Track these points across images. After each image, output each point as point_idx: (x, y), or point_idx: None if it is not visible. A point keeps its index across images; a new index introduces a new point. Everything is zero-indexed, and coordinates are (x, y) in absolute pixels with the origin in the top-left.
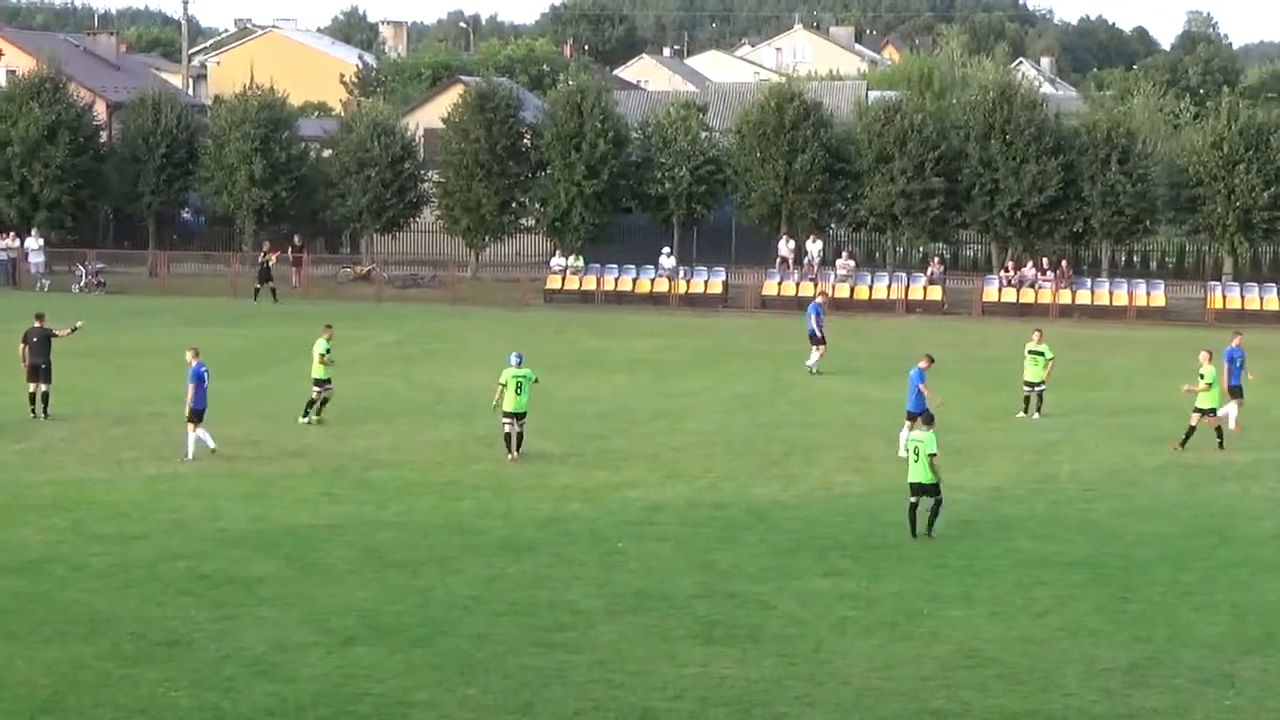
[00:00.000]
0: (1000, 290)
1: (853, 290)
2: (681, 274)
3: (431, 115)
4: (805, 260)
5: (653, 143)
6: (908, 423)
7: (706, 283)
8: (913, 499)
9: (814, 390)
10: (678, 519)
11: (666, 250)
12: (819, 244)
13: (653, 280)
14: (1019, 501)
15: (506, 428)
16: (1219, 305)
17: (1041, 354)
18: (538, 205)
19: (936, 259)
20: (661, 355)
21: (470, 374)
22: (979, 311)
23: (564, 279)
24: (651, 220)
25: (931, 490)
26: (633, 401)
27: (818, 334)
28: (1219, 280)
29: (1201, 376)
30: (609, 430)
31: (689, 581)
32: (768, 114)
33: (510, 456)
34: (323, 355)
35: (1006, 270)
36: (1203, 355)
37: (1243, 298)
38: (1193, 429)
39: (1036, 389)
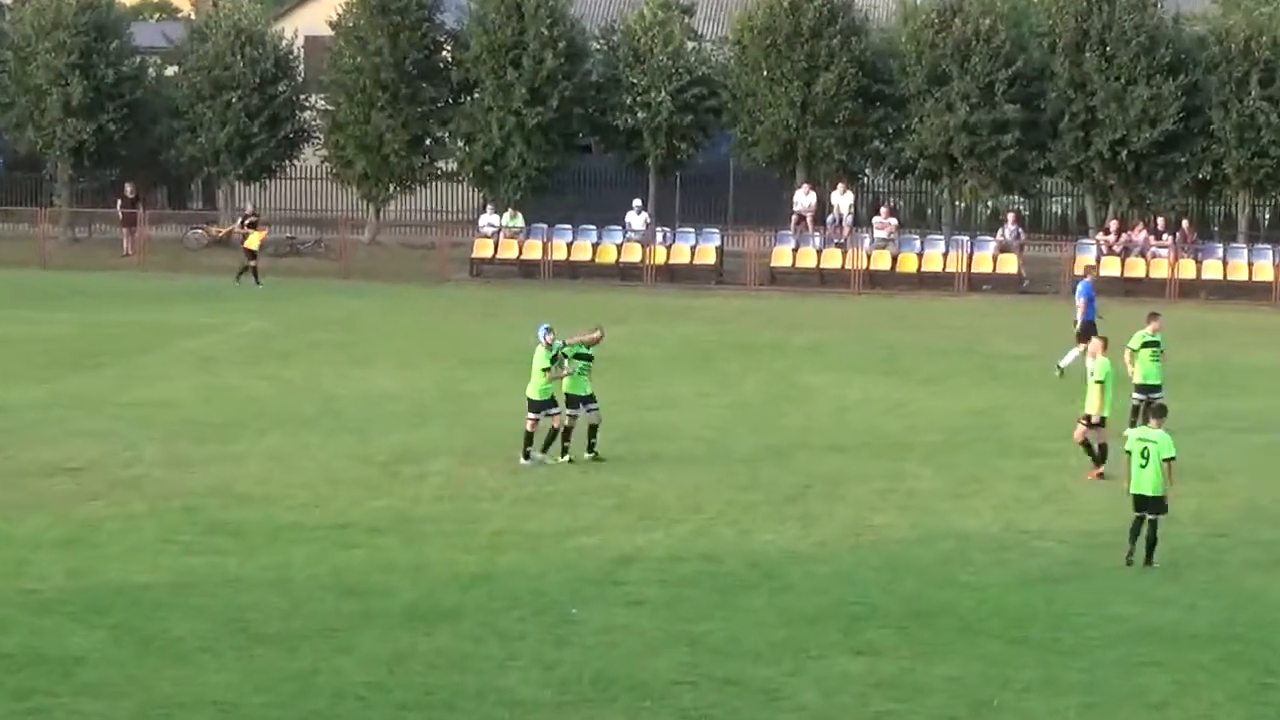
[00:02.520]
0: (1099, 260)
1: (895, 260)
2: (660, 237)
3: (315, 18)
4: (830, 219)
5: (620, 56)
6: (1078, 345)
7: (694, 249)
8: (1139, 513)
9: (841, 398)
10: (654, 576)
11: (637, 204)
12: (849, 196)
13: (620, 246)
14: (1121, 551)
15: (556, 420)
16: None
17: (1160, 346)
18: (461, 143)
19: (1011, 217)
20: (633, 349)
21: (369, 375)
22: (1070, 289)
23: (497, 244)
24: (619, 164)
25: (1155, 505)
26: None
27: (1089, 325)
28: None
29: (1092, 372)
30: (559, 453)
31: (669, 662)
32: (778, 16)
33: (565, 458)
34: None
35: (1107, 233)
36: (1095, 342)
37: None
38: (1089, 446)
39: (1153, 396)
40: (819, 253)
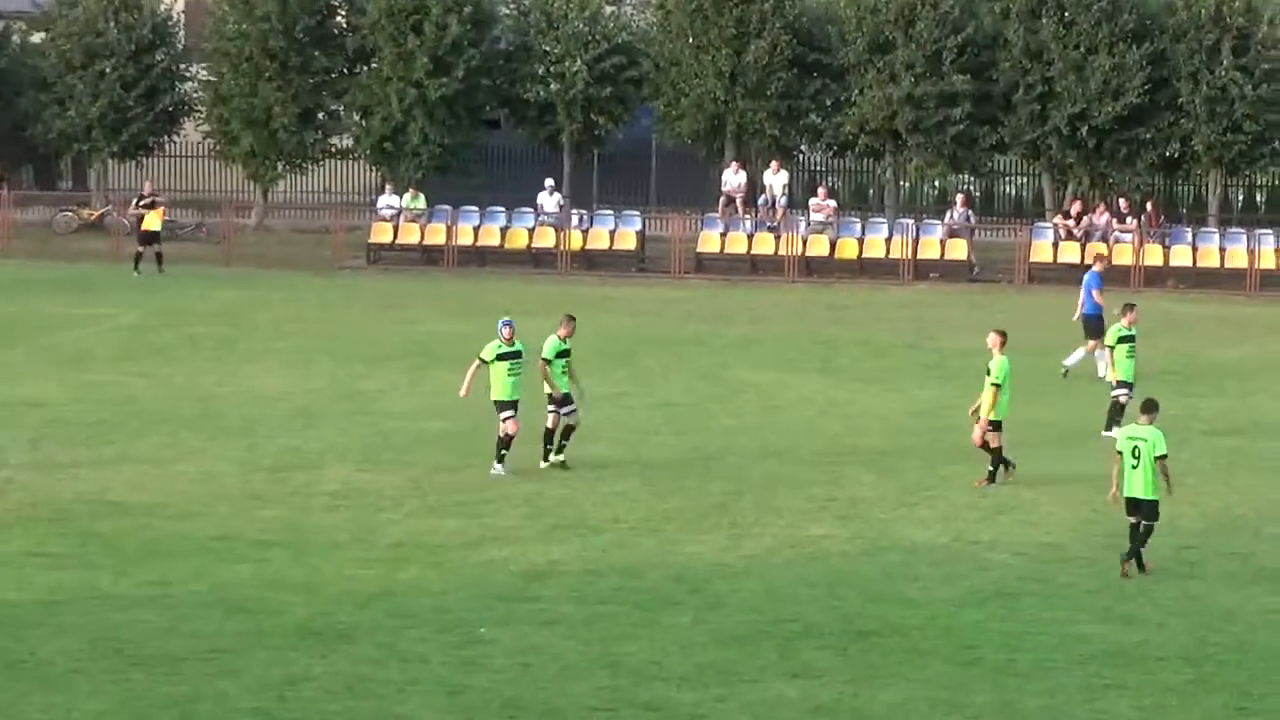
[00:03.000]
0: (1056, 246)
1: (833, 246)
2: (575, 220)
3: None
4: (762, 200)
5: (531, 22)
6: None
7: (613, 234)
8: (1133, 518)
9: (775, 397)
10: (570, 592)
11: (549, 184)
12: (783, 176)
13: (532, 230)
14: (1084, 565)
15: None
16: None
17: (1134, 340)
18: (357, 117)
19: (960, 199)
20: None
21: (255, 372)
22: (1024, 278)
23: (397, 228)
24: (530, 141)
25: (1149, 510)
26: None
27: (1092, 320)
28: None
29: (988, 371)
30: (467, 458)
31: (587, 687)
32: None
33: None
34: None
35: (1066, 216)
36: (992, 336)
37: None
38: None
39: (1124, 392)
40: (750, 238)
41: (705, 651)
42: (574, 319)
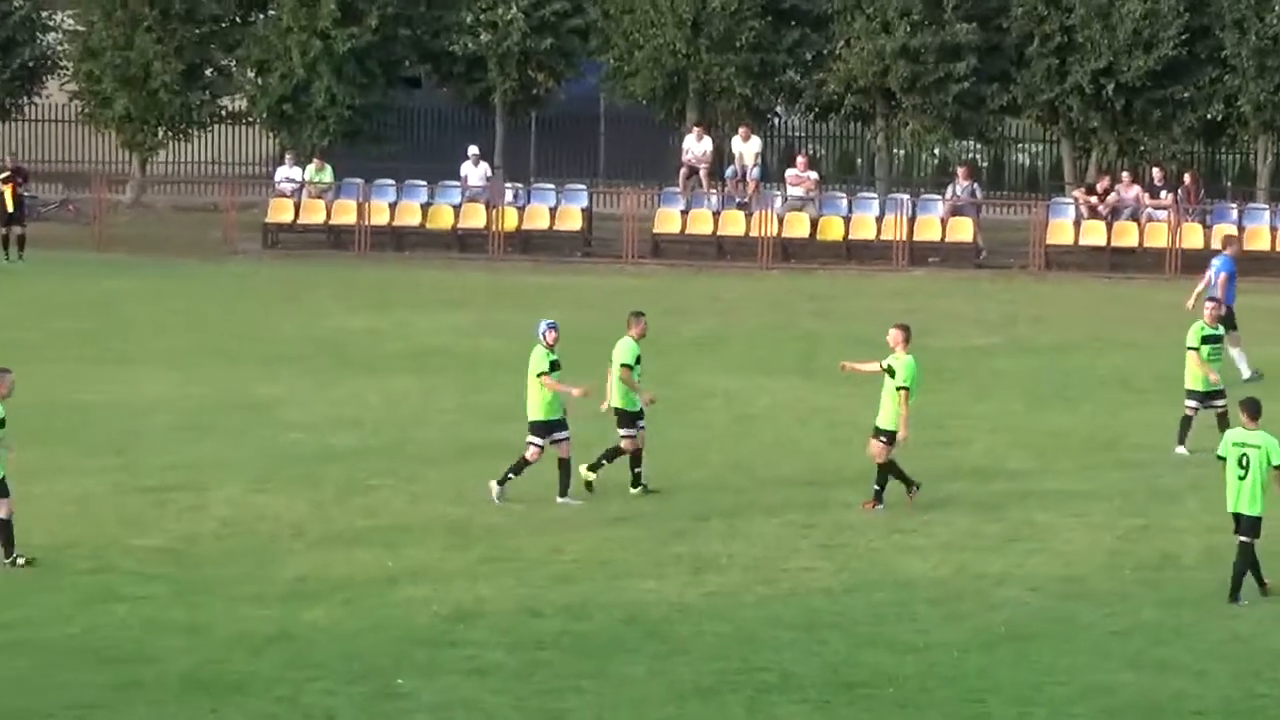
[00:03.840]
0: (1078, 225)
1: (814, 225)
2: (509, 196)
3: None
4: (731, 172)
5: None
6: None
7: (554, 212)
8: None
9: (746, 404)
10: (503, 636)
11: (474, 152)
12: (756, 143)
13: (458, 208)
14: (1111, 602)
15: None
16: None
17: (1220, 339)
18: (252, 74)
19: (964, 170)
20: (472, 343)
21: (133, 376)
22: (1040, 263)
23: (299, 206)
24: (456, 102)
25: (1249, 526)
26: (422, 424)
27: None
28: None
29: (889, 372)
30: (382, 477)
31: None
32: None
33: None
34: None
35: (1089, 191)
36: (893, 333)
37: None
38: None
39: (1216, 402)
40: (716, 216)
41: (662, 707)
42: (644, 316)
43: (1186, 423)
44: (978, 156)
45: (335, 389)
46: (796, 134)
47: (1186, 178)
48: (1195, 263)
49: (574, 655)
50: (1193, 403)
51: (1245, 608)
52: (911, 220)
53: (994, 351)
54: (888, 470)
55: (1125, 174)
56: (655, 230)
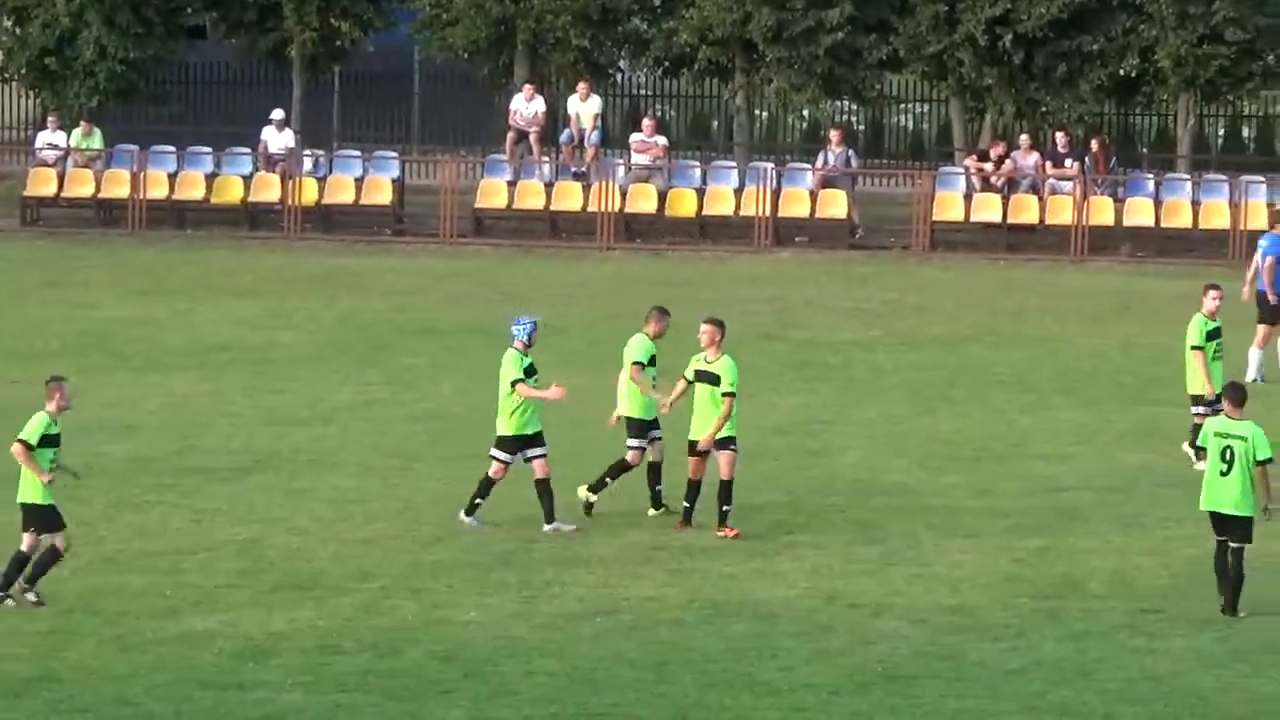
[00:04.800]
0: (969, 199)
1: (663, 199)
2: (307, 165)
3: None
4: (567, 136)
5: None
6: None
7: (360, 183)
8: (1220, 538)
9: (583, 406)
10: (300, 676)
11: (278, 116)
12: (595, 103)
13: (249, 179)
14: (1005, 636)
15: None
16: None
17: (1220, 336)
18: (8, 23)
19: (837, 135)
20: (267, 336)
21: None
22: (925, 242)
23: (64, 177)
24: (247, 55)
25: (1240, 529)
26: (206, 431)
27: (1270, 297)
28: None
29: (707, 380)
30: (158, 491)
31: None
32: None
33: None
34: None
35: (983, 158)
36: (706, 330)
37: None
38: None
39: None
40: (549, 188)
41: None
42: (667, 313)
43: (1197, 431)
44: (853, 119)
45: (105, 390)
46: (643, 93)
47: (1094, 143)
48: (1104, 241)
49: (381, 697)
50: (1201, 409)
51: (1164, 641)
52: (776, 193)
53: (872, 346)
54: (730, 487)
55: (1024, 139)
56: (478, 205)
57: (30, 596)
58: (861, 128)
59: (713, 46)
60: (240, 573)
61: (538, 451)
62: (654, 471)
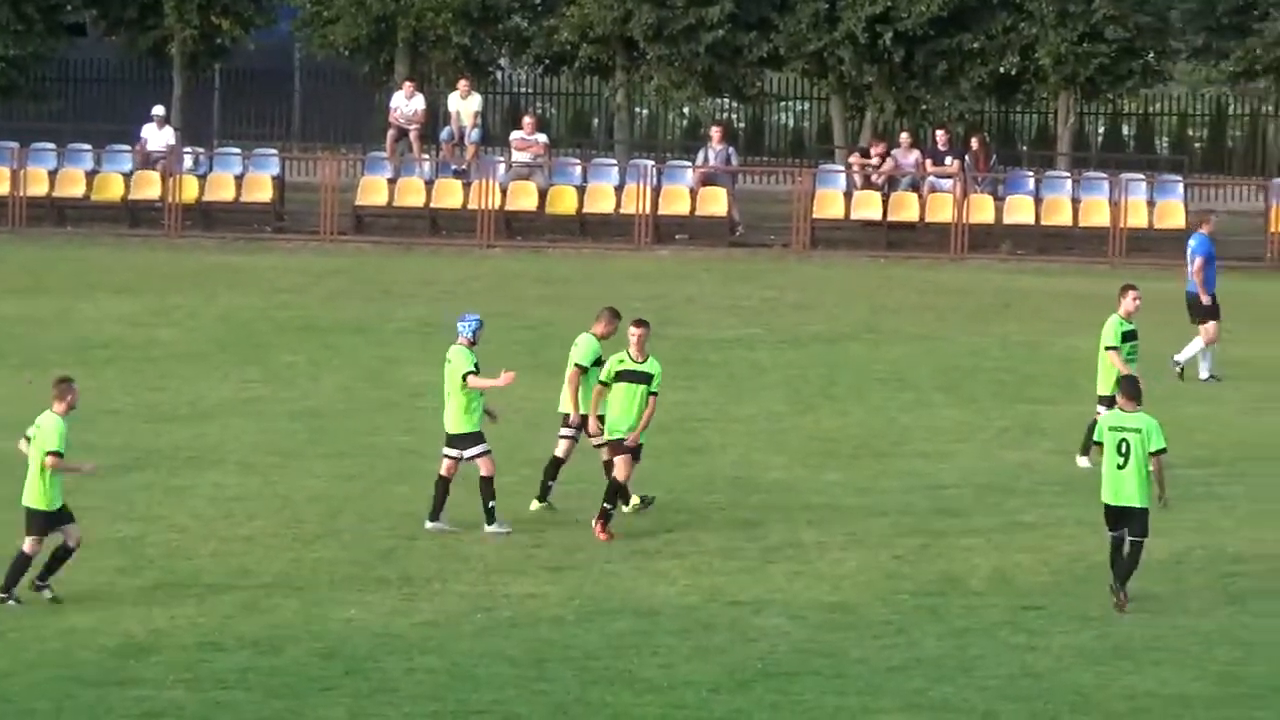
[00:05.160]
0: (850, 197)
1: (544, 196)
2: (188, 162)
3: None
4: (447, 134)
5: None
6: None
7: (240, 180)
8: (1114, 532)
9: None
10: (181, 673)
11: (159, 112)
12: (475, 101)
13: (130, 177)
14: (886, 633)
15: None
16: None
17: (1137, 337)
18: None
19: (718, 132)
20: (146, 333)
21: None
22: (806, 240)
23: None
24: (127, 52)
25: (1139, 522)
26: (87, 428)
27: (1205, 300)
28: None
29: (633, 379)
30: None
31: None
32: None
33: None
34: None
35: (864, 155)
36: (637, 332)
37: None
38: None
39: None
40: (429, 185)
41: None
42: (618, 314)
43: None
44: (734, 117)
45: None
46: (523, 90)
47: (975, 141)
48: (984, 240)
49: (262, 695)
50: (1105, 409)
51: (1045, 638)
52: (656, 191)
53: (752, 343)
54: (616, 486)
55: (904, 136)
56: (358, 202)
57: (45, 593)
58: (742, 125)
59: (593, 44)
60: (120, 570)
61: (480, 449)
62: (555, 467)
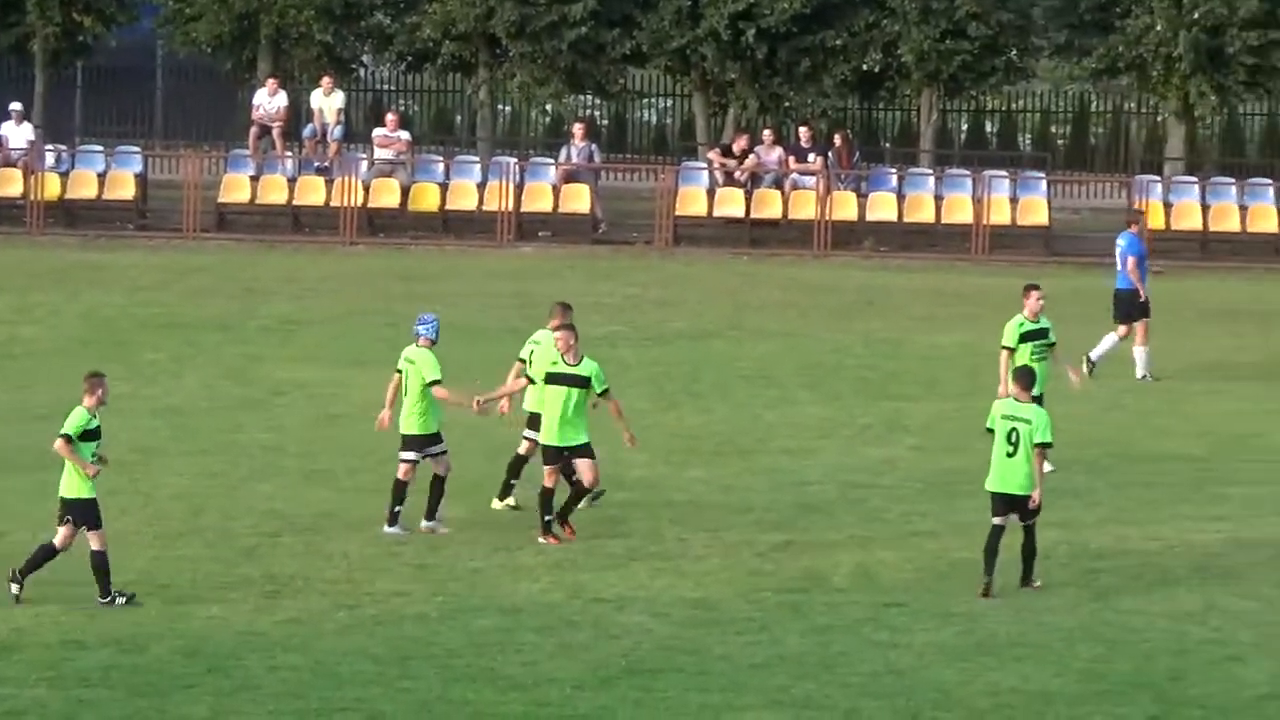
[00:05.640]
0: (713, 194)
1: (406, 193)
2: (50, 159)
3: None
4: (310, 131)
5: None
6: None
7: (103, 178)
8: (997, 520)
9: (329, 401)
10: (43, 672)
11: (17, 109)
12: (339, 98)
13: None
14: (749, 630)
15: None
16: (1157, 224)
17: (1046, 336)
18: None
19: (581, 129)
20: (10, 330)
21: None
22: (669, 237)
23: None
24: None
25: (1024, 509)
26: None
27: (1140, 295)
28: (1158, 173)
29: (569, 384)
30: None
31: None
32: None
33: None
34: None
35: (726, 152)
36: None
37: (1205, 209)
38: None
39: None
40: (292, 183)
41: None
42: (569, 308)
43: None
44: (597, 114)
45: None
46: (386, 87)
47: (837, 138)
48: (847, 237)
49: (125, 693)
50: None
51: (905, 636)
52: (519, 188)
53: (615, 340)
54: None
55: (767, 133)
56: (221, 199)
57: (14, 588)
58: (605, 122)
59: (456, 41)
60: None
61: (439, 448)
62: (519, 465)
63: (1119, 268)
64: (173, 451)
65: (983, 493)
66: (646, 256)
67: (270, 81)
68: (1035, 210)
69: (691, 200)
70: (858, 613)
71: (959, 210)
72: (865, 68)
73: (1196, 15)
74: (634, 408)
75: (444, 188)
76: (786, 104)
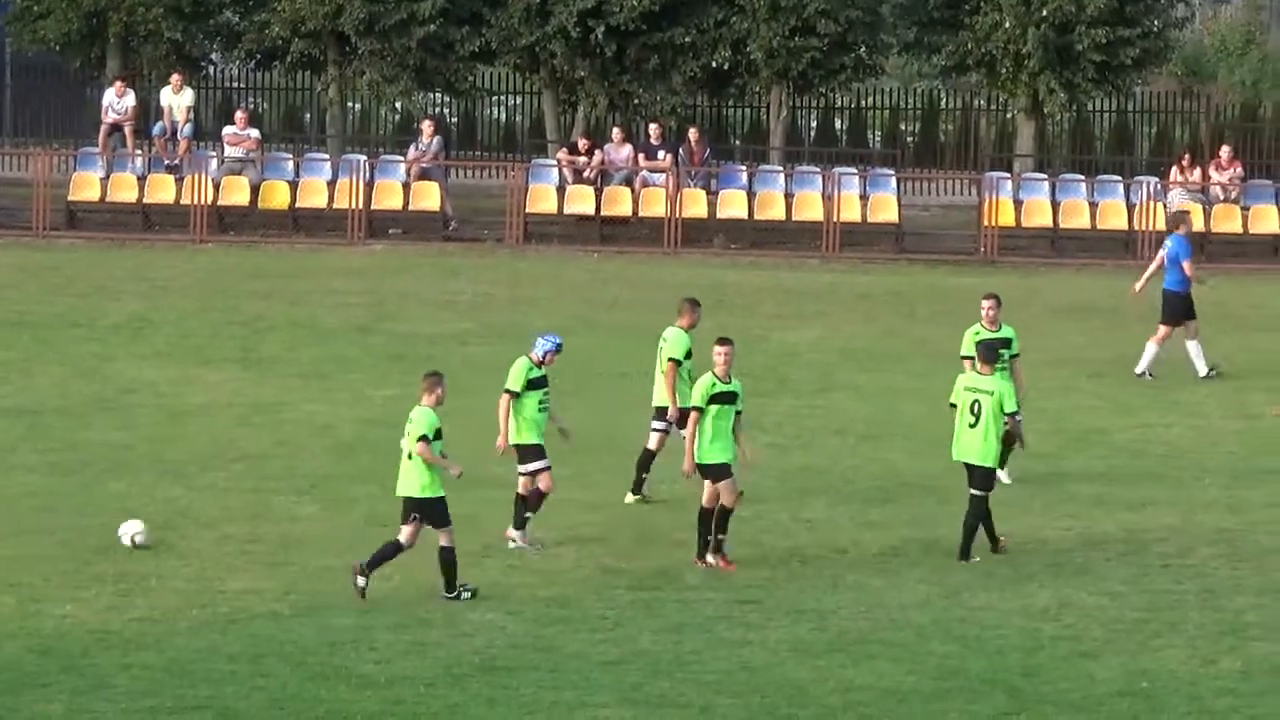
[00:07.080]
0: (563, 192)
1: (256, 191)
2: None
3: None
4: (159, 129)
5: None
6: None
7: None
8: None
9: (179, 399)
10: None
11: None
12: (189, 95)
13: None
14: (602, 627)
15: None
16: (1007, 221)
17: (1012, 348)
18: None
19: (429, 126)
20: None
21: None
22: (519, 234)
23: None
24: None
25: (982, 479)
26: None
27: (1181, 298)
28: (1007, 170)
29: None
30: None
31: None
32: None
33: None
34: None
35: (575, 151)
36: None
37: (1055, 205)
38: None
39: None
40: (141, 181)
41: None
42: (698, 304)
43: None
44: (446, 111)
45: None
46: (236, 85)
47: (693, 133)
48: (698, 234)
49: None
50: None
51: (758, 633)
52: (369, 185)
53: (466, 338)
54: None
55: (616, 131)
56: (71, 198)
57: (360, 580)
58: (454, 120)
59: (305, 39)
60: None
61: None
62: (648, 460)
63: (1165, 270)
64: (23, 450)
65: (834, 490)
66: (497, 254)
67: (118, 83)
68: (885, 207)
69: (542, 198)
70: (711, 610)
71: (809, 207)
72: (714, 65)
73: (1045, 13)
74: (486, 404)
75: (294, 186)
76: (636, 101)
